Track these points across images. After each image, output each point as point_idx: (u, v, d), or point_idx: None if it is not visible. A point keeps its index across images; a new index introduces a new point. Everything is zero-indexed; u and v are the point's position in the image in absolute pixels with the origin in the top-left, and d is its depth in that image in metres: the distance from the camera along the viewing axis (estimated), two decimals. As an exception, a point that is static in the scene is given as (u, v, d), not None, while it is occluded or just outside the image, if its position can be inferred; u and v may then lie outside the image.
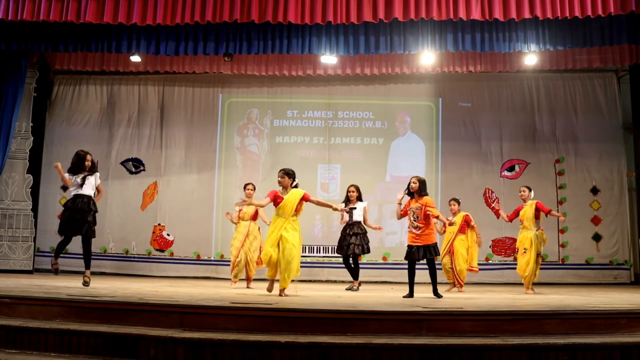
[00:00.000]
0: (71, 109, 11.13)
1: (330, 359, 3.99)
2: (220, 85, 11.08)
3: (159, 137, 10.98)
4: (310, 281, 9.72)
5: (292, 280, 6.17)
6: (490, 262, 10.31)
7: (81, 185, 6.52)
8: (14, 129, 9.46)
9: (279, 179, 6.29)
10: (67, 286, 6.50)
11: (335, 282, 9.85)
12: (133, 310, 4.67)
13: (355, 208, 7.74)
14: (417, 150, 10.83)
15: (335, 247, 8.06)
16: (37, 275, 9.25)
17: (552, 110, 10.77)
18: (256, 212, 7.99)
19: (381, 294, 7.08)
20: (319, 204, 6.54)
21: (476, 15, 7.70)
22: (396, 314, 4.58)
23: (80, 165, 6.60)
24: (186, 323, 4.47)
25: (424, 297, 6.58)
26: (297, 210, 6.22)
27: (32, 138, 10.25)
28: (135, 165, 10.97)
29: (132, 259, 10.62)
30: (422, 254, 6.38)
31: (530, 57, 9.34)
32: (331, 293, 7.09)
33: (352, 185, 7.93)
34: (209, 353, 4.05)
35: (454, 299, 6.25)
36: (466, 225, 8.04)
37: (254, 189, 8.14)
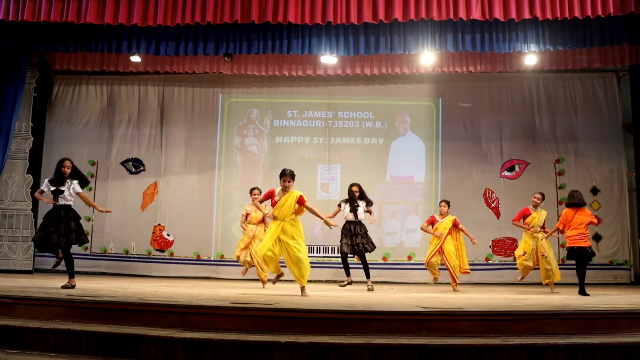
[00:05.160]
0: (71, 109, 11.12)
1: (330, 359, 3.99)
2: (220, 85, 11.07)
3: (159, 137, 10.98)
4: (310, 281, 9.69)
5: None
6: (490, 262, 10.31)
7: (55, 197, 6.47)
8: (14, 129, 9.45)
9: (286, 183, 6.20)
10: (67, 286, 6.49)
11: (335, 282, 9.82)
12: (133, 311, 4.67)
13: (358, 206, 7.77)
14: (417, 150, 10.82)
15: (339, 246, 7.93)
16: (37, 275, 9.25)
17: (552, 110, 10.76)
18: (263, 217, 8.02)
19: (381, 294, 7.08)
20: (311, 211, 6.34)
21: (476, 15, 7.70)
22: (396, 314, 4.59)
23: (58, 174, 6.54)
24: (186, 323, 4.48)
25: (424, 297, 6.59)
26: (296, 212, 6.22)
27: (32, 138, 10.24)
28: (135, 165, 10.97)
29: (132, 259, 10.62)
30: None
31: (530, 57, 9.33)
32: (331, 293, 7.10)
33: (354, 185, 7.92)
34: (209, 353, 4.06)
35: (454, 299, 6.25)
36: (454, 228, 8.43)
37: (260, 192, 8.14)
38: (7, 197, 10.04)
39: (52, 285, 6.65)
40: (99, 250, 10.64)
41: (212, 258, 10.54)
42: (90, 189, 10.75)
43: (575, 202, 7.56)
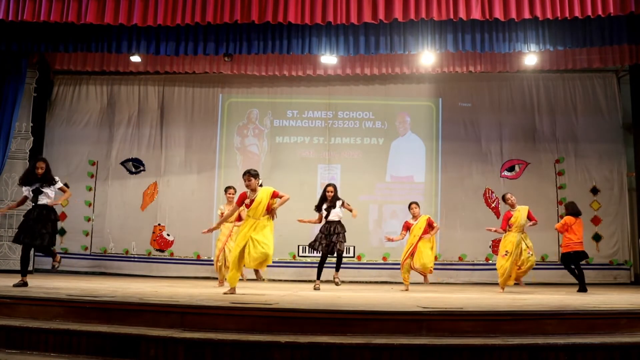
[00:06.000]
0: (71, 109, 11.12)
1: (330, 359, 3.99)
2: (220, 85, 11.08)
3: (159, 137, 10.98)
4: (310, 281, 9.71)
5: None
6: (490, 262, 10.30)
7: (35, 197, 6.46)
8: (14, 129, 9.45)
9: (247, 182, 6.32)
10: (67, 286, 6.51)
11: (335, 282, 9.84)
12: (133, 310, 4.67)
13: (334, 207, 7.84)
14: (417, 150, 10.83)
15: (312, 243, 8.03)
16: (37, 275, 9.24)
17: (552, 110, 10.77)
18: (239, 214, 8.02)
19: (381, 294, 7.09)
20: (282, 201, 6.33)
21: (476, 15, 7.71)
22: (396, 314, 4.58)
23: (29, 175, 6.54)
24: (186, 323, 4.47)
25: (424, 297, 6.59)
26: (269, 209, 6.20)
27: (32, 138, 10.25)
28: (135, 165, 10.97)
29: (132, 259, 10.62)
30: None
31: (530, 57, 9.34)
32: (331, 293, 7.09)
33: (329, 185, 8.05)
34: (209, 353, 4.05)
35: (454, 299, 6.25)
36: (429, 227, 8.39)
37: (235, 192, 8.17)
38: (7, 197, 10.05)
39: (52, 285, 6.65)
40: (99, 250, 10.64)
41: (212, 258, 10.51)
42: (90, 189, 10.81)
43: (575, 211, 8.08)
